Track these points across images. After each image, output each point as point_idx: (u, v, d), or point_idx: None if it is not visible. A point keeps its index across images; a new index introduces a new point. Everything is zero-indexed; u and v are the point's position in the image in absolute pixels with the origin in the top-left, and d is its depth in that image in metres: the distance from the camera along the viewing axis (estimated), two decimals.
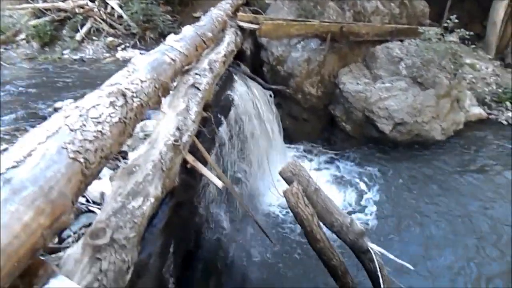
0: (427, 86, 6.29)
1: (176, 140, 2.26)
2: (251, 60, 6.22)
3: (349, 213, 4.80)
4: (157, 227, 2.38)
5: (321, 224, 3.14)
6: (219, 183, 2.95)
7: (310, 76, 6.41)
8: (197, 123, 2.69)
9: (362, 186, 5.43)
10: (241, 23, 5.25)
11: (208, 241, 3.69)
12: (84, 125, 1.52)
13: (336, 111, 6.49)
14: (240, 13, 5.53)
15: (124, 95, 1.85)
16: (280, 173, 3.07)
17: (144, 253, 2.18)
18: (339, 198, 5.16)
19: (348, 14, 6.84)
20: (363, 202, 5.13)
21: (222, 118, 4.05)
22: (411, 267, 3.08)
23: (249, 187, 4.88)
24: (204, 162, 3.01)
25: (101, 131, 1.58)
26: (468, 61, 8.06)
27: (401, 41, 6.88)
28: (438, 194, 5.22)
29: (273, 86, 5.89)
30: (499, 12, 9.33)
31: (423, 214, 4.84)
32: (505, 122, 7.23)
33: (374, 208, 4.96)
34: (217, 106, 4.03)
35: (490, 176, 5.64)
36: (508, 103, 7.59)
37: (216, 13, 4.47)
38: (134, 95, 1.95)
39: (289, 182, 3.02)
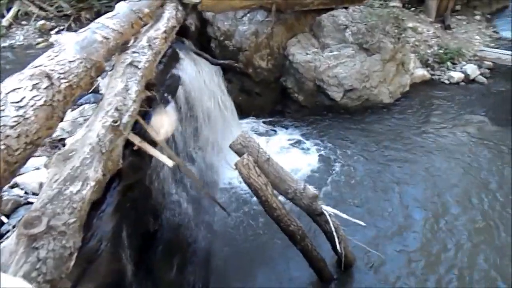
0: (373, 51, 6.47)
1: (115, 121, 2.18)
2: (198, 36, 6.07)
3: (308, 179, 4.98)
4: (107, 212, 2.33)
5: (275, 192, 3.22)
6: (169, 162, 2.90)
7: (259, 49, 6.37)
8: (138, 102, 2.60)
9: (319, 152, 5.58)
10: None
11: (168, 221, 3.68)
12: (3, 110, 1.43)
13: (287, 82, 6.54)
14: None
15: (49, 76, 1.75)
16: (230, 147, 3.08)
17: (94, 239, 2.14)
18: (297, 165, 5.28)
19: None
20: (321, 167, 5.28)
21: (170, 97, 3.95)
22: (363, 224, 3.25)
23: (206, 164, 4.88)
24: (154, 143, 2.95)
25: (23, 116, 1.49)
26: (410, 24, 8.33)
27: (346, 8, 6.96)
28: (389, 155, 5.48)
29: (222, 62, 5.81)
30: None
31: (377, 177, 5.07)
32: (447, 82, 7.61)
33: (331, 171, 5.15)
34: (163, 85, 3.91)
35: (439, 134, 5.98)
36: (449, 63, 7.97)
37: None
38: (61, 76, 1.85)
39: (240, 154, 3.05)
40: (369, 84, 6.37)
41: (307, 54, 6.38)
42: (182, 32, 5.16)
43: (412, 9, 9.11)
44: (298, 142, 5.81)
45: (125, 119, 2.35)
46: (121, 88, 2.51)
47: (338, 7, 6.88)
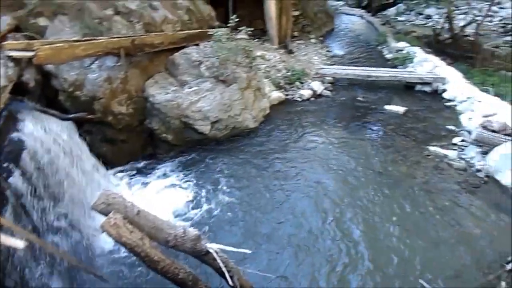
0: (229, 82, 6.81)
1: None
2: (42, 91, 5.48)
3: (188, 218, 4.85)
4: None
5: (155, 243, 3.01)
6: (20, 244, 2.47)
7: (116, 95, 6.07)
8: None
9: (195, 187, 5.51)
10: (11, 53, 4.50)
11: None
12: None
13: (153, 124, 6.37)
14: (7, 42, 4.72)
15: None
16: (93, 208, 2.78)
17: None
18: (176, 206, 5.11)
19: (138, 26, 6.74)
20: (199, 202, 5.20)
21: (12, 167, 3.42)
22: (248, 251, 3.28)
23: (75, 230, 4.33)
24: None
25: None
26: (258, 53, 9.10)
27: (197, 45, 7.22)
28: (263, 175, 5.75)
29: (73, 115, 5.33)
30: (272, 9, 10.84)
31: (254, 200, 5.25)
32: (299, 99, 8.50)
33: (210, 203, 5.12)
34: (0, 153, 3.36)
35: (302, 146, 6.55)
36: (297, 83, 8.94)
37: None
38: None
39: (106, 214, 2.77)
40: (233, 113, 6.65)
41: (167, 93, 6.35)
42: (19, 90, 4.59)
43: (257, 39, 9.98)
44: (174, 181, 5.65)
45: None
46: None
47: (188, 44, 7.09)
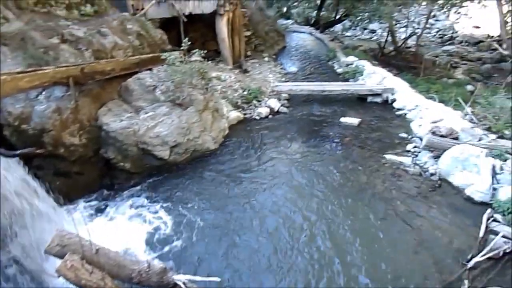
0: (186, 105, 6.74)
1: None
2: None
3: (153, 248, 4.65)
4: None
5: (117, 281, 2.85)
6: None
7: (67, 126, 5.79)
8: None
9: (158, 216, 5.30)
10: None
11: None
12: None
13: (109, 153, 6.12)
14: None
15: None
16: (46, 252, 2.58)
17: None
18: (138, 237, 4.88)
19: (87, 53, 6.54)
20: (163, 231, 5.01)
21: None
22: (217, 279, 3.18)
23: (29, 277, 3.98)
24: None
25: None
26: (214, 74, 9.12)
27: (150, 69, 7.10)
28: (226, 196, 5.68)
29: (20, 152, 4.98)
30: (223, 30, 10.96)
31: (217, 223, 5.15)
32: (258, 118, 8.57)
33: (174, 231, 4.95)
34: None
35: (263, 163, 6.56)
36: (254, 101, 9.02)
37: None
38: None
39: (62, 256, 2.59)
40: (192, 136, 6.56)
41: (122, 120, 6.15)
42: None
43: (212, 60, 10.01)
44: (135, 212, 5.41)
45: None
46: None
47: (141, 70, 6.96)
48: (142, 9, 10.62)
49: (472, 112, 7.94)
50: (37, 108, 5.63)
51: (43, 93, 5.76)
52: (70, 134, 5.83)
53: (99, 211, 5.54)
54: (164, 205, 5.53)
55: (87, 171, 6.10)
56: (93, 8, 8.22)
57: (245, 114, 8.69)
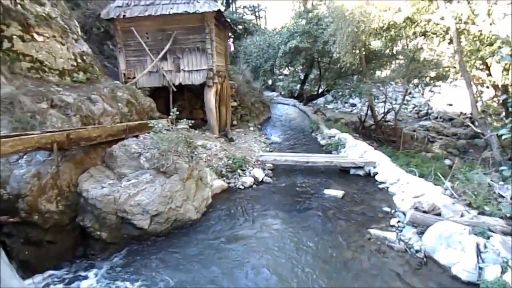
0: (170, 173, 6.68)
1: None
2: None
3: None
4: None
5: None
6: None
7: (44, 192, 5.61)
8: None
9: None
10: None
11: None
12: None
13: (86, 221, 5.87)
14: None
15: None
16: None
17: None
18: None
19: (75, 119, 6.61)
20: None
21: None
22: None
23: None
24: None
25: None
26: (199, 143, 9.22)
27: (136, 136, 7.15)
28: (206, 271, 5.40)
29: None
30: (211, 100, 11.34)
31: None
32: (242, 187, 8.52)
33: None
34: None
35: (245, 236, 6.37)
36: (239, 171, 9.04)
37: None
38: None
39: None
40: (174, 205, 6.42)
41: (103, 187, 6.01)
42: None
43: (198, 129, 10.20)
44: (106, 285, 5.04)
45: None
46: None
47: (128, 136, 7.00)
48: (134, 77, 11.04)
49: (451, 187, 8.11)
50: (16, 172, 5.50)
51: (25, 156, 5.67)
52: (47, 200, 5.63)
53: (70, 283, 5.15)
54: (139, 280, 5.19)
55: (60, 240, 5.79)
56: (86, 76, 8.52)
57: (229, 183, 8.65)
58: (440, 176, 8.75)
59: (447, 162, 13.03)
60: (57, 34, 8.25)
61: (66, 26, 8.80)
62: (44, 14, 8.05)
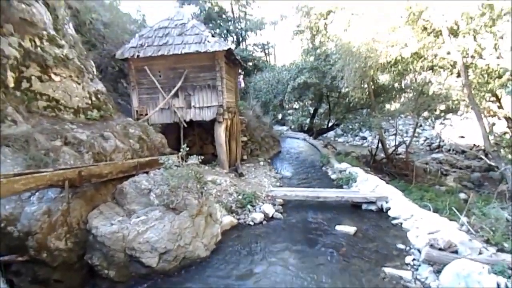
0: (180, 209, 6.65)
1: None
2: None
3: None
4: None
5: None
6: None
7: (54, 229, 5.62)
8: None
9: None
10: None
11: None
12: None
13: (94, 259, 5.82)
14: None
15: None
16: None
17: None
18: None
19: (87, 156, 6.72)
20: None
21: None
22: None
23: None
24: None
25: None
26: (209, 178, 9.22)
27: (147, 173, 7.20)
28: None
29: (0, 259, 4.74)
30: (221, 135, 11.46)
31: None
32: (252, 223, 8.40)
33: None
34: None
35: (255, 275, 6.20)
36: (249, 206, 8.95)
37: None
38: None
39: None
40: (183, 242, 6.33)
41: (112, 224, 6.00)
42: None
43: (208, 164, 10.24)
44: None
45: None
46: None
47: (138, 172, 7.06)
48: (146, 114, 11.30)
49: (468, 222, 7.85)
50: (27, 210, 5.55)
51: (36, 193, 5.74)
52: (56, 238, 5.63)
53: None
54: None
55: (68, 278, 5.73)
56: (100, 113, 8.75)
57: (238, 219, 8.54)
58: (455, 211, 8.51)
59: (462, 196, 12.72)
60: (73, 74, 8.58)
61: (82, 66, 9.17)
62: (62, 56, 8.42)
